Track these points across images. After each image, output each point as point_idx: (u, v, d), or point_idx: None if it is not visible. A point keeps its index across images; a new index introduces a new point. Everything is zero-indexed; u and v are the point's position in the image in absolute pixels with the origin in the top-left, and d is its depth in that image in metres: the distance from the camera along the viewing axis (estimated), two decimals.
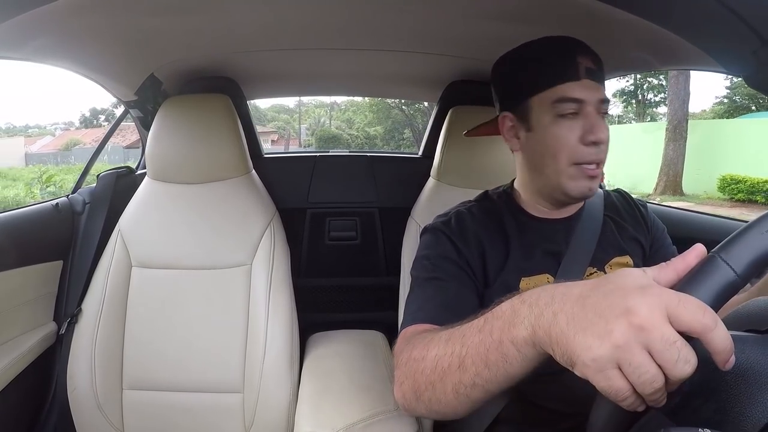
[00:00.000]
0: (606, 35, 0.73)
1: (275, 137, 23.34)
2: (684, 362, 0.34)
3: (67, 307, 1.14)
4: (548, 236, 0.77)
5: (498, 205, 0.82)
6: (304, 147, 20.84)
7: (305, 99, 25.77)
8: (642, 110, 18.62)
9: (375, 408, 0.89)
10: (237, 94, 1.42)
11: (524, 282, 0.74)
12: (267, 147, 11.06)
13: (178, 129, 1.13)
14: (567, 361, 0.38)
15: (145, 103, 1.29)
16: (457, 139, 1.17)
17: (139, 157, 1.50)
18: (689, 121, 10.36)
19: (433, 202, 1.18)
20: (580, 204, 0.80)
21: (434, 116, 1.65)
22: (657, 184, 9.91)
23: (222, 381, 1.05)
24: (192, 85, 1.37)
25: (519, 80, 0.74)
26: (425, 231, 0.81)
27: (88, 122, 24.45)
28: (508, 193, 0.85)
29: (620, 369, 0.35)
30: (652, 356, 0.34)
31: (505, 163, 1.15)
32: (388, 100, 19.25)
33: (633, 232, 0.82)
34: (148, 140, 1.15)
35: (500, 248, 0.76)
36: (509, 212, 0.80)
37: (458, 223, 0.78)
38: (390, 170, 1.65)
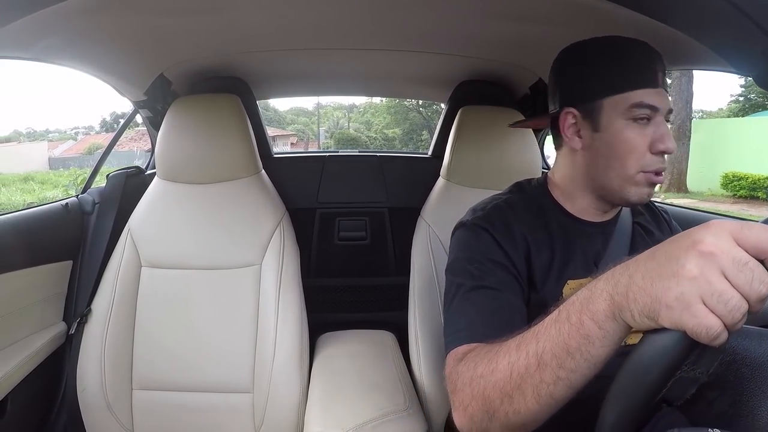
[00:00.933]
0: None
1: (294, 140, 23.45)
2: (759, 282, 0.34)
3: (76, 307, 1.14)
4: (589, 239, 0.75)
5: (537, 199, 0.78)
6: (323, 149, 20.88)
7: (324, 101, 25.97)
8: None
9: (385, 408, 0.90)
10: (246, 94, 1.42)
11: (569, 285, 0.71)
12: (286, 149, 11.06)
13: (188, 129, 1.12)
14: (649, 315, 0.37)
15: (155, 103, 1.30)
16: (467, 139, 1.17)
17: (149, 157, 1.50)
18: (701, 119, 10.38)
19: (443, 201, 1.18)
20: (618, 209, 0.78)
21: (444, 116, 1.65)
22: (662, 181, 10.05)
23: (232, 381, 1.04)
24: (201, 85, 1.37)
25: (591, 78, 0.70)
26: (462, 227, 0.76)
27: (108, 126, 24.17)
28: (544, 186, 0.80)
29: (705, 304, 0.34)
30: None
31: (514, 162, 1.15)
32: (406, 102, 19.21)
33: (660, 237, 0.81)
34: (157, 140, 1.15)
35: (545, 249, 0.72)
36: (549, 208, 0.77)
37: (501, 219, 0.73)
38: (400, 170, 1.65)
